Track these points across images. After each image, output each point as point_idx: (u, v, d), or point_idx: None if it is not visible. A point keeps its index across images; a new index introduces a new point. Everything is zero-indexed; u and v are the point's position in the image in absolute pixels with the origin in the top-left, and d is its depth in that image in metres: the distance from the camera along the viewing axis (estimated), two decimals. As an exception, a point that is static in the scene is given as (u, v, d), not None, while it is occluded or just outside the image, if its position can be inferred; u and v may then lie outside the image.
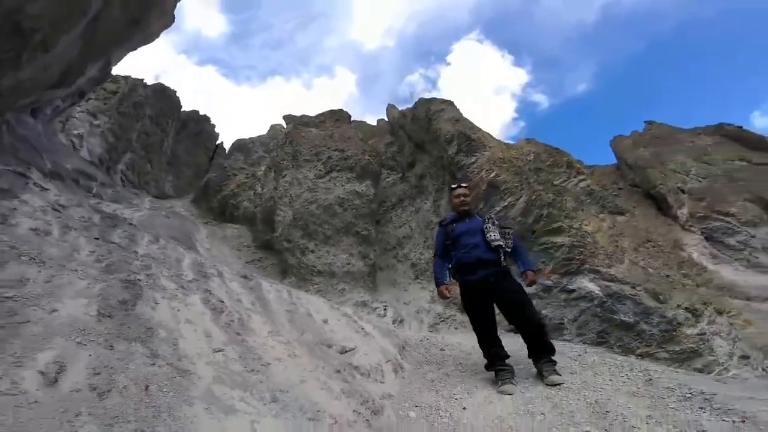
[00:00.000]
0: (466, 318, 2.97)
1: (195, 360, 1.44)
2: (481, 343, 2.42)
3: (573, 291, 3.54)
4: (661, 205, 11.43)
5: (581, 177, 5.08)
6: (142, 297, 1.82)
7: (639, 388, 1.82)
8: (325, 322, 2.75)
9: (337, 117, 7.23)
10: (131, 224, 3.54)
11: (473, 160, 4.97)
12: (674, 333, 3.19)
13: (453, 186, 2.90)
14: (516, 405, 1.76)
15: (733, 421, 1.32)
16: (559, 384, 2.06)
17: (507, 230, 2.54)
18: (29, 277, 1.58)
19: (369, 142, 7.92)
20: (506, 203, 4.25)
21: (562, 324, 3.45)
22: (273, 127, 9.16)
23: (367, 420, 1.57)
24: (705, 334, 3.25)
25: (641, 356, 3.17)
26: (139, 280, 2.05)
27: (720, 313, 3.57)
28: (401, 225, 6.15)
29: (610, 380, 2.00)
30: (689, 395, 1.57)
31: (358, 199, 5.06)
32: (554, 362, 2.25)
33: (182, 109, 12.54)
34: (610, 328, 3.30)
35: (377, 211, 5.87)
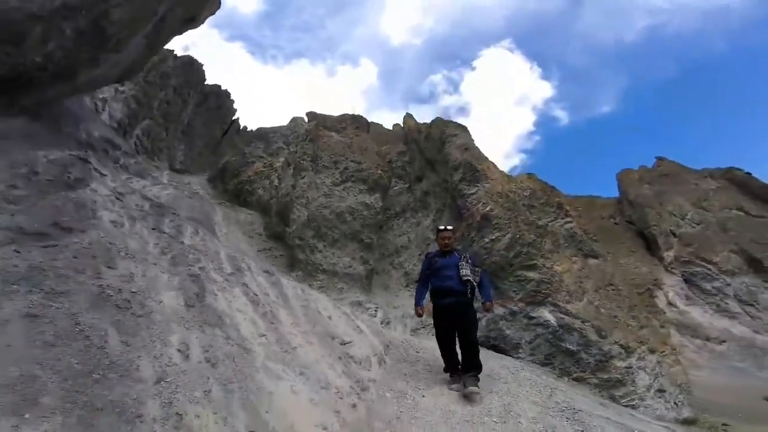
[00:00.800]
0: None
1: (251, 342, 2.26)
2: (442, 351, 3.28)
3: (533, 318, 4.38)
4: (651, 245, 12.23)
5: (567, 219, 5.86)
6: (206, 290, 2.64)
7: (541, 399, 2.67)
8: (330, 318, 3.58)
9: (357, 124, 7.95)
10: (175, 213, 4.35)
11: (474, 191, 5.75)
12: (606, 363, 4.05)
13: (440, 228, 3.66)
14: (458, 398, 2.61)
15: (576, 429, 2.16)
16: (475, 393, 2.82)
17: (477, 269, 3.31)
18: (133, 272, 2.36)
19: (383, 147, 8.65)
20: (494, 237, 5.05)
21: (519, 344, 4.31)
22: (294, 120, 9.86)
23: (358, 394, 2.41)
24: (632, 367, 4.10)
25: (576, 380, 4.03)
26: (198, 273, 2.86)
27: (652, 351, 4.41)
28: (401, 234, 6.97)
29: (527, 391, 2.85)
30: (566, 409, 2.41)
31: (367, 210, 5.87)
32: (477, 378, 3.00)
33: (206, 83, 13.23)
34: (557, 352, 4.16)
35: (382, 218, 6.67)
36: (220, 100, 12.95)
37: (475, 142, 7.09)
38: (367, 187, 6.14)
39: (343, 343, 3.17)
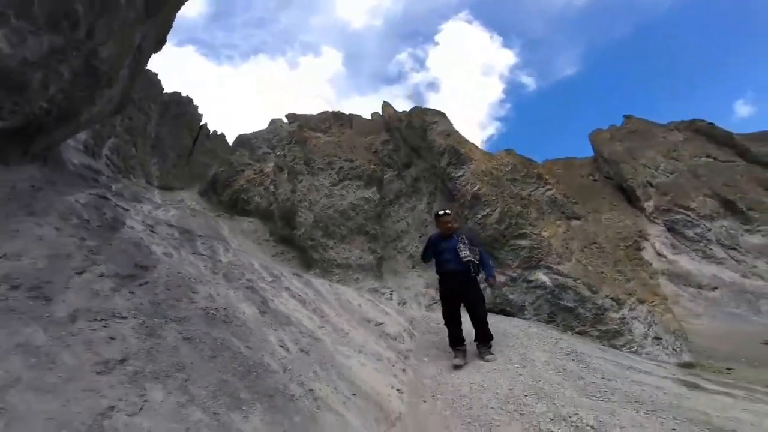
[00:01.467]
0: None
1: (317, 333, 2.86)
2: (448, 329, 3.54)
3: (532, 281, 5.17)
4: (631, 197, 13.38)
5: (548, 187, 6.64)
6: (266, 298, 3.21)
7: (549, 348, 3.45)
8: (360, 306, 4.22)
9: (340, 121, 8.38)
10: (200, 236, 4.81)
11: (461, 173, 6.41)
12: (602, 316, 4.83)
13: (440, 213, 3.93)
14: (478, 356, 3.36)
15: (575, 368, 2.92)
16: (491, 361, 3.22)
17: (475, 248, 3.65)
18: (210, 293, 2.90)
19: (366, 138, 9.12)
20: (486, 212, 5.76)
21: (524, 306, 5.11)
22: (274, 122, 10.12)
23: (403, 361, 3.09)
24: (625, 318, 4.90)
25: (579, 333, 4.80)
26: (251, 285, 3.42)
27: (642, 302, 5.24)
28: (399, 220, 7.60)
29: (536, 343, 3.61)
30: (570, 353, 3.20)
31: (367, 204, 6.45)
32: (490, 346, 3.44)
33: (164, 92, 13.12)
34: (557, 310, 4.97)
35: (380, 208, 7.27)
36: (182, 108, 12.90)
37: (455, 125, 7.72)
38: (363, 183, 6.70)
39: (378, 325, 3.83)
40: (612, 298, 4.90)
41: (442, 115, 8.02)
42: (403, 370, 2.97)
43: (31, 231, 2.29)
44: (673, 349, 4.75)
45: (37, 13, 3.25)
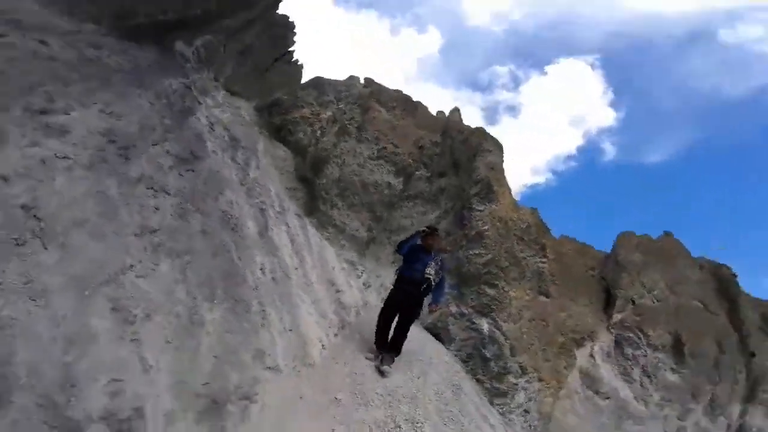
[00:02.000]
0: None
1: (291, 271, 3.45)
2: (378, 328, 3.79)
3: (475, 324, 5.68)
4: (609, 302, 13.49)
5: (543, 259, 6.96)
6: (268, 224, 3.79)
7: (446, 375, 4.04)
8: (333, 269, 4.82)
9: (405, 106, 8.63)
10: (244, 147, 5.33)
11: (482, 208, 6.75)
12: (503, 376, 5.37)
13: (435, 229, 4.16)
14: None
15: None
16: (386, 372, 3.45)
17: (440, 272, 3.89)
18: (232, 199, 3.48)
19: (421, 132, 9.36)
20: (478, 252, 6.18)
21: (455, 339, 5.65)
22: (351, 78, 10.33)
23: (340, 328, 3.72)
24: (518, 385, 5.44)
25: (477, 381, 5.33)
26: (263, 208, 3.98)
27: (540, 380, 5.76)
28: (406, 216, 8.05)
29: (441, 368, 4.20)
30: (454, 386, 3.78)
31: (388, 189, 6.91)
32: (393, 360, 3.64)
33: (276, 11, 13.23)
34: (476, 355, 5.50)
35: (397, 199, 7.71)
36: (282, 30, 13.08)
37: (504, 164, 7.92)
38: (395, 170, 7.12)
39: (338, 291, 4.43)
40: (521, 366, 5.41)
41: (500, 147, 8.20)
42: (335, 335, 3.59)
43: (134, 100, 2.84)
44: (531, 425, 5.33)
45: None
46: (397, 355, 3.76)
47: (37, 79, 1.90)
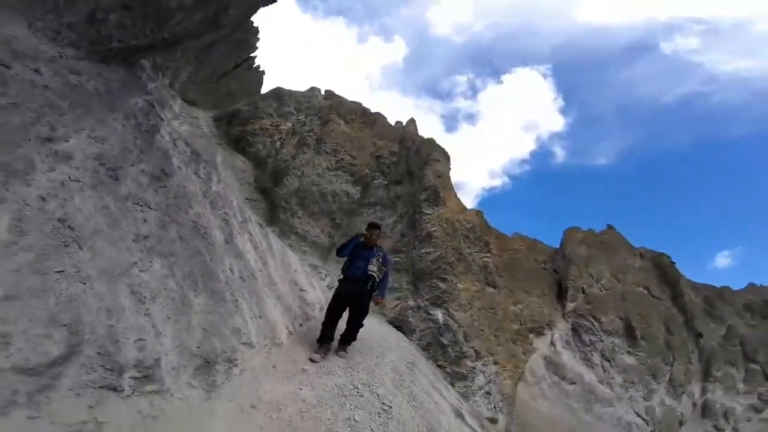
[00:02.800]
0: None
1: (256, 272, 4.07)
2: (324, 324, 3.99)
3: (431, 314, 6.55)
4: (562, 293, 15.06)
5: (487, 254, 8.04)
6: (233, 233, 4.38)
7: (402, 357, 4.84)
8: (296, 271, 5.47)
9: (364, 118, 9.52)
10: (205, 161, 5.88)
11: (430, 212, 7.71)
12: (461, 360, 6.29)
13: (375, 223, 4.48)
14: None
15: (383, 405, 4.31)
16: (343, 357, 3.85)
17: (384, 268, 4.10)
18: (199, 211, 4.08)
19: (379, 141, 10.27)
20: (428, 251, 7.10)
21: (415, 330, 6.49)
22: (312, 90, 11.09)
23: (305, 320, 4.38)
24: (476, 368, 6.39)
25: (439, 366, 6.22)
26: (227, 218, 4.59)
27: (496, 363, 6.75)
28: (365, 222, 8.84)
29: (399, 352, 4.99)
30: (410, 363, 4.59)
31: (346, 198, 7.68)
32: (348, 345, 4.05)
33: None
34: (435, 343, 6.37)
35: (355, 206, 8.49)
36: (245, 34, 13.57)
37: (451, 171, 9.01)
38: (353, 180, 7.92)
39: (302, 290, 5.10)
40: (475, 350, 6.35)
41: (447, 157, 9.29)
42: (300, 325, 4.26)
43: (111, 124, 3.37)
44: (495, 406, 6.26)
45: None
46: (351, 342, 4.11)
47: (39, 109, 2.46)
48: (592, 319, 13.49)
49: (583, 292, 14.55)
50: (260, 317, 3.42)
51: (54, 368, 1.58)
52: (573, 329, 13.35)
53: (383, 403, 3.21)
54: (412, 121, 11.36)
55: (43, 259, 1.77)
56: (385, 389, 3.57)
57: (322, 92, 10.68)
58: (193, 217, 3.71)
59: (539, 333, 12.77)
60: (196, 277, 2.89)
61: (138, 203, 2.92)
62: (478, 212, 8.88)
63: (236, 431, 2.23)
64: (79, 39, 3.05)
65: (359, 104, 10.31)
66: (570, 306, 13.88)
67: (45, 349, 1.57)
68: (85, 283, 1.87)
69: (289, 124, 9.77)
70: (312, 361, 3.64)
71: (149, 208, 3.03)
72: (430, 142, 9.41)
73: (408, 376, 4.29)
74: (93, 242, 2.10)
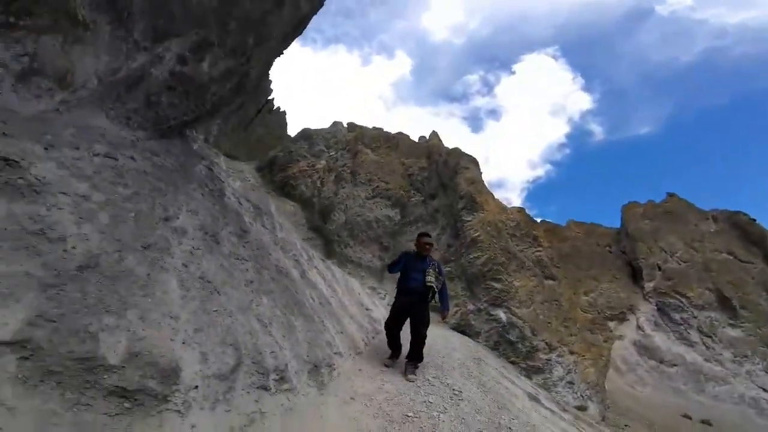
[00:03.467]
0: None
1: (329, 299, 4.92)
2: (388, 338, 4.26)
3: (492, 315, 7.00)
4: (636, 275, 14.54)
5: (538, 248, 8.34)
6: (304, 269, 5.33)
7: (472, 357, 5.35)
8: (359, 294, 6.28)
9: (389, 143, 10.45)
10: (266, 213, 7.03)
11: (470, 218, 8.27)
12: (533, 354, 6.63)
13: (425, 234, 4.45)
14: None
15: (454, 390, 4.81)
16: (411, 381, 3.77)
17: (441, 277, 4.14)
18: (277, 257, 5.08)
19: (407, 161, 11.11)
20: (477, 255, 7.61)
21: (480, 332, 6.96)
22: (335, 124, 12.36)
23: (375, 335, 5.11)
24: (551, 360, 6.68)
25: (511, 362, 6.62)
26: (297, 258, 5.56)
27: (572, 353, 6.97)
28: (411, 240, 9.56)
29: (456, 354, 5.52)
30: (480, 359, 5.07)
31: (388, 221, 8.49)
32: (416, 367, 4.01)
33: None
34: (502, 341, 6.79)
35: (398, 227, 9.28)
36: (260, 81, 15.39)
37: (482, 175, 9.55)
38: (390, 203, 8.75)
39: (367, 309, 5.88)
40: (546, 343, 6.64)
41: (475, 162, 9.88)
42: (372, 338, 5.01)
43: (194, 195, 4.48)
44: (581, 395, 6.43)
45: (228, 44, 5.45)
46: (419, 362, 4.12)
47: (150, 194, 3.52)
48: (677, 296, 12.77)
49: (659, 268, 13.85)
50: (342, 333, 4.22)
51: (232, 375, 2.44)
52: (659, 309, 12.70)
53: (453, 390, 3.79)
54: (434, 134, 12.13)
55: (205, 304, 2.71)
56: (453, 379, 4.15)
57: (345, 125, 11.87)
58: (274, 262, 4.68)
59: (621, 319, 12.38)
60: (291, 306, 3.77)
61: (237, 258, 3.90)
62: (520, 209, 9.25)
63: (344, 416, 2.98)
64: (144, 121, 3.39)
65: (380, 129, 11.32)
66: (649, 286, 13.28)
67: (225, 361, 2.44)
68: (231, 317, 2.77)
69: (323, 162, 10.95)
70: (386, 366, 4.06)
71: (245, 260, 4.01)
72: (456, 152, 10.07)
73: (476, 369, 4.81)
74: (224, 289, 3.04)
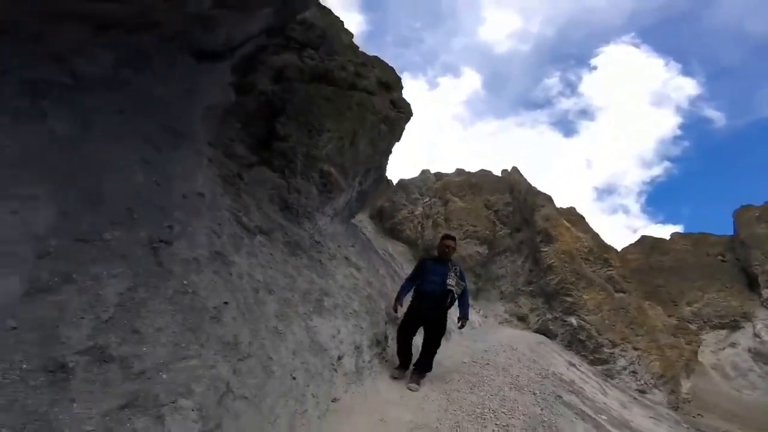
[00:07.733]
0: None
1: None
2: (398, 347, 4.45)
3: (566, 321, 11.25)
4: (752, 282, 16.91)
5: (609, 268, 12.23)
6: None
7: (545, 354, 9.77)
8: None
9: (472, 189, 15.32)
10: (392, 256, 12.51)
11: (547, 249, 12.58)
12: (599, 349, 10.68)
13: (447, 234, 4.73)
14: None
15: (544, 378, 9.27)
16: (413, 390, 4.04)
17: (462, 282, 4.42)
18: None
19: (491, 198, 15.78)
20: (551, 278, 11.95)
21: (557, 334, 11.29)
22: (424, 173, 17.69)
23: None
24: (614, 354, 10.66)
25: (582, 356, 10.81)
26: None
27: (636, 349, 10.80)
28: (501, 267, 14.11)
29: (519, 344, 9.95)
30: (553, 351, 9.46)
31: (478, 256, 13.29)
32: (424, 375, 4.26)
33: None
34: (574, 341, 11.01)
35: (487, 259, 13.93)
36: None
37: (556, 210, 13.81)
38: (479, 242, 13.57)
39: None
40: (610, 340, 10.66)
41: (550, 200, 14.18)
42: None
43: (368, 254, 9.95)
44: (645, 382, 10.27)
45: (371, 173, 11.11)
46: (427, 371, 4.34)
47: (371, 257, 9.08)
48: (798, 303, 14.56)
49: (777, 275, 15.55)
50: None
51: (335, 361, 3.71)
52: (779, 316, 14.59)
53: (485, 350, 8.42)
54: (515, 170, 16.66)
55: (283, 309, 3.78)
56: (506, 358, 8.79)
57: (432, 173, 17.14)
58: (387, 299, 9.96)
59: (734, 327, 14.85)
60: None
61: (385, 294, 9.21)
62: (594, 236, 13.21)
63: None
64: (349, 217, 9.77)
65: (462, 176, 16.26)
66: (766, 293, 15.24)
67: (330, 353, 3.71)
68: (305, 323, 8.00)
69: (420, 209, 16.21)
70: (393, 378, 4.29)
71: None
72: (533, 191, 14.46)
73: (533, 353, 9.30)
74: (310, 308, 8.35)
